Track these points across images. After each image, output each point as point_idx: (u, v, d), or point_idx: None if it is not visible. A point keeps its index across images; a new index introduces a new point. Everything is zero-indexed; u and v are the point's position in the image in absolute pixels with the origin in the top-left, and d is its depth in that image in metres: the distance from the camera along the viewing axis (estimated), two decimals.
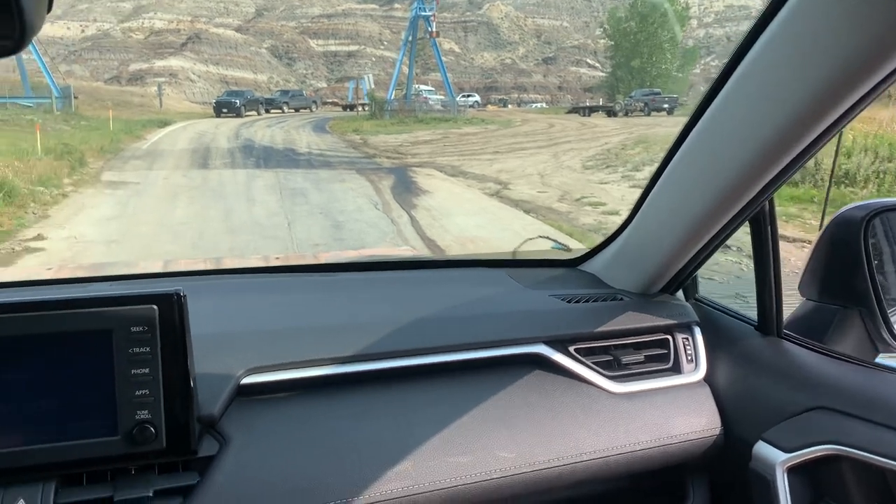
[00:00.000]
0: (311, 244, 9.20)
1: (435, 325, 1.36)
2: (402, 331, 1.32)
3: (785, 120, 1.05)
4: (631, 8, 48.94)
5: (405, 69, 46.16)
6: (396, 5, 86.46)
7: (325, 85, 71.78)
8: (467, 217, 10.97)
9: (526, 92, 75.78)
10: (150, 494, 1.00)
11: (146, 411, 1.01)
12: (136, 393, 1.00)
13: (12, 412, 0.96)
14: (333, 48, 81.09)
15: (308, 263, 2.14)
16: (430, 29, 45.33)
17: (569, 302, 1.51)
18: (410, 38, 43.92)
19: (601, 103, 43.63)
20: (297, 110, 42.34)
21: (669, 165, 1.32)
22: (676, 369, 1.48)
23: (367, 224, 10.50)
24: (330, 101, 52.30)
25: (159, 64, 67.27)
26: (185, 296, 1.04)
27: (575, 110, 39.95)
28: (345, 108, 46.36)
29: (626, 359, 1.43)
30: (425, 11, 44.97)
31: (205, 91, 63.69)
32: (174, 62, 68.38)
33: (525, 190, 13.41)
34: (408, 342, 1.30)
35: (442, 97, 43.75)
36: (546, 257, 1.98)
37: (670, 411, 1.39)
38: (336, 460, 1.12)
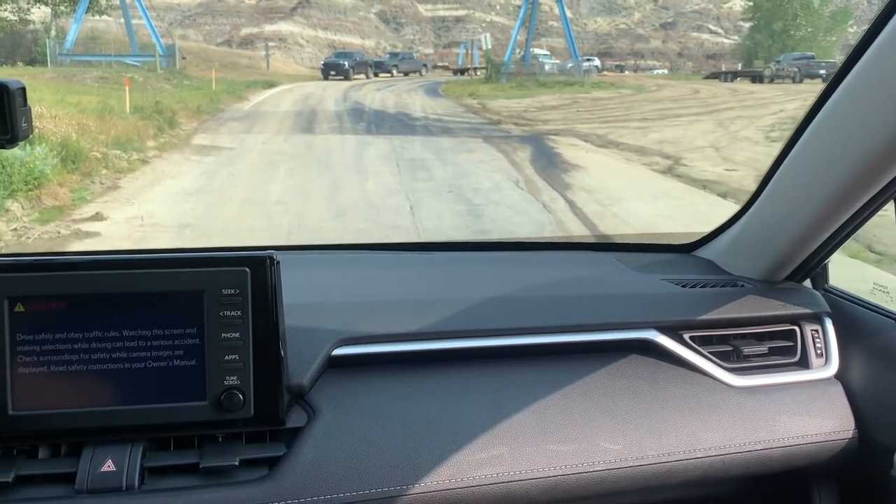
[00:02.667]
0: (445, 238, 6.74)
1: (536, 305, 1.27)
2: (502, 309, 1.25)
3: None
4: None
5: (520, 38, 43.07)
6: None
7: (431, 51, 69.80)
8: (646, 203, 8.24)
9: (643, 58, 71.68)
10: (236, 463, 0.97)
11: (235, 377, 0.98)
12: (226, 357, 0.98)
13: (102, 371, 0.95)
14: (442, 13, 78.39)
15: (404, 242, 1.86)
16: None
17: (683, 287, 1.39)
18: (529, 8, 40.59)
19: (740, 69, 39.35)
20: (406, 74, 40.22)
21: (800, 141, 1.20)
22: (804, 364, 1.34)
23: (512, 210, 7.95)
24: (440, 64, 50.03)
25: (269, 28, 66.85)
26: (278, 261, 1.00)
27: (714, 76, 36.15)
28: (455, 72, 43.98)
29: (747, 350, 1.30)
30: None
31: (313, 56, 62.69)
32: (284, 27, 67.98)
33: (706, 167, 10.50)
34: (506, 321, 1.22)
35: (558, 61, 40.66)
36: (655, 241, 1.75)
37: (796, 409, 1.25)
38: (427, 440, 1.05)
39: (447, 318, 1.21)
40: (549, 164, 10.84)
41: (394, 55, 45.71)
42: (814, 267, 1.41)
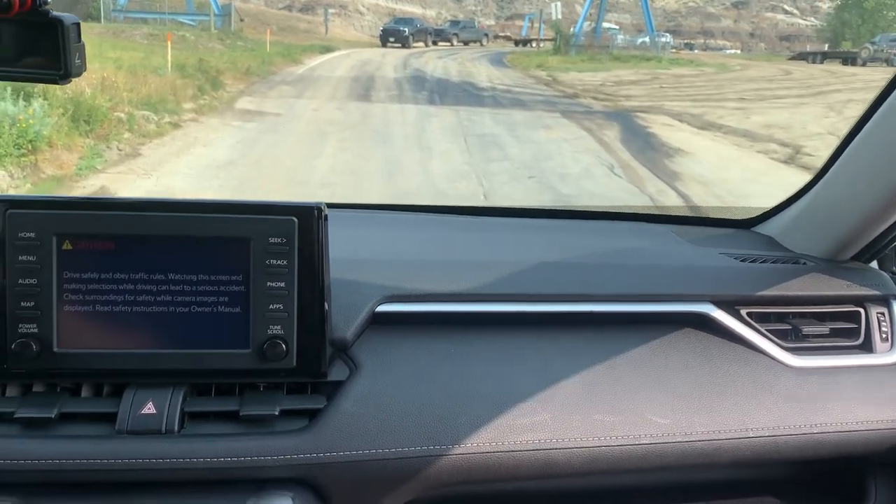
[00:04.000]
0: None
1: (588, 272, 1.24)
2: (552, 275, 1.21)
3: None
4: None
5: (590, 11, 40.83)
6: None
7: (493, 22, 68.09)
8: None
9: (713, 38, 68.78)
10: (276, 413, 0.97)
11: (279, 327, 0.98)
12: (270, 307, 0.98)
13: (147, 314, 0.96)
14: None
15: (453, 205, 1.74)
16: None
17: (742, 261, 1.33)
18: None
19: (826, 49, 36.64)
20: (465, 43, 38.33)
21: (874, 117, 1.18)
22: (867, 347, 1.27)
23: (613, 203, 6.40)
24: (502, 35, 48.01)
25: None
26: (326, 211, 1.00)
27: (800, 56, 33.55)
28: (517, 42, 41.98)
29: (807, 329, 1.24)
30: None
31: (372, 24, 61.50)
32: None
33: None
34: (556, 287, 1.18)
35: (627, 36, 38.42)
36: (714, 215, 1.75)
37: (857, 394, 1.19)
38: (469, 401, 1.04)
39: (495, 280, 1.16)
40: (646, 146, 9.20)
41: (454, 23, 43.72)
42: (883, 248, 1.34)
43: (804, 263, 1.33)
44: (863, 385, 1.20)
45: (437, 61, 23.34)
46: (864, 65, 28.03)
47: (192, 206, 0.96)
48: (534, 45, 39.56)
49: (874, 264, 1.39)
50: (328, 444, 0.97)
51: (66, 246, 0.94)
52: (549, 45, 34.93)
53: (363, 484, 0.99)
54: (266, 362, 0.97)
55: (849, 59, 29.78)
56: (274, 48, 22.28)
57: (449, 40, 37.91)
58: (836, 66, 27.36)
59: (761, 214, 1.55)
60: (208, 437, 0.95)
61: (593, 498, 1.19)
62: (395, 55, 25.74)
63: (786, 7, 74.81)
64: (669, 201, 6.48)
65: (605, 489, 1.19)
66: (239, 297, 0.97)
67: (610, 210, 1.70)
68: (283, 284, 0.97)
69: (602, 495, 1.20)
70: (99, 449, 0.92)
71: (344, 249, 1.10)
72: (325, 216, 0.99)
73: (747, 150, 9.22)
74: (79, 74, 0.78)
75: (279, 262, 0.96)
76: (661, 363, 1.14)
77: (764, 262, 1.32)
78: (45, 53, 0.75)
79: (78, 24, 0.77)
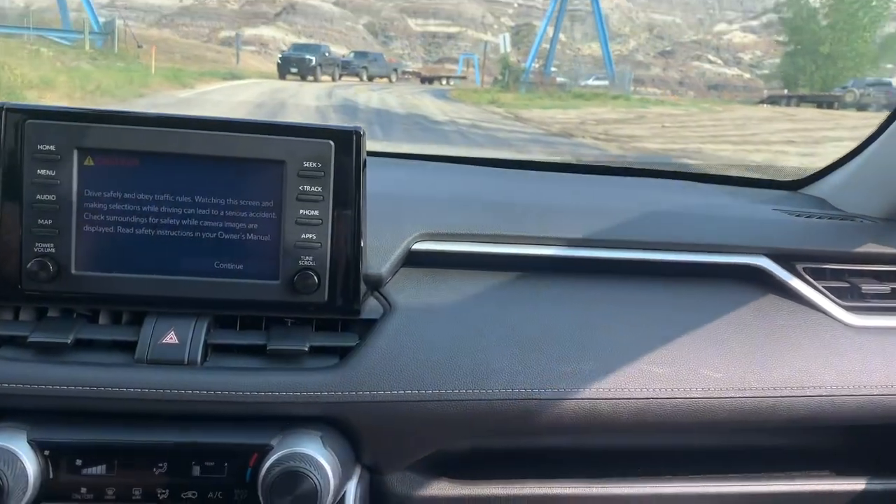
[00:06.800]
0: None
1: (638, 219, 1.16)
2: (597, 219, 1.13)
3: None
4: None
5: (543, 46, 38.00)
6: None
7: (421, 65, 65.96)
8: None
9: (644, 85, 68.55)
10: (306, 349, 0.92)
11: (311, 258, 0.92)
12: (302, 236, 0.92)
13: (171, 238, 0.91)
14: (433, 28, 76.78)
15: (498, 157, 1.74)
16: None
17: (797, 216, 1.28)
18: (558, 6, 35.11)
19: (786, 93, 34.95)
20: (370, 79, 33.08)
21: None
22: None
23: None
24: (409, 71, 44.42)
25: (250, 32, 63.50)
26: (364, 134, 0.93)
27: (771, 100, 31.65)
28: (423, 80, 38.58)
29: (866, 288, 1.16)
30: None
31: None
32: (265, 31, 64.97)
33: None
34: (603, 232, 1.10)
35: (565, 79, 35.93)
36: (762, 176, 1.61)
37: None
38: (508, 345, 0.97)
39: (540, 223, 1.09)
40: None
41: (360, 55, 36.75)
42: None
43: (861, 222, 1.28)
44: None
45: (369, 93, 19.26)
46: (837, 107, 25.84)
47: (222, 125, 0.90)
48: (444, 82, 36.76)
49: None
50: (360, 383, 0.92)
51: (88, 161, 0.89)
52: (480, 83, 31.79)
53: (394, 424, 0.94)
54: (296, 295, 0.91)
55: (824, 103, 27.81)
56: (164, 73, 17.86)
57: (357, 74, 31.82)
58: (811, 111, 25.02)
59: (810, 176, 1.50)
60: (233, 371, 0.90)
61: (633, 458, 1.10)
62: (315, 86, 21.39)
63: (710, 57, 75.81)
64: None
65: (646, 450, 1.12)
66: (269, 224, 0.91)
67: (656, 168, 1.52)
68: (316, 213, 0.91)
69: (643, 456, 1.11)
70: (116, 377, 0.88)
71: (381, 185, 1.03)
72: (364, 137, 0.92)
73: None
74: None
75: (313, 188, 0.91)
76: (713, 316, 1.08)
77: (820, 218, 1.27)
78: None
79: None
